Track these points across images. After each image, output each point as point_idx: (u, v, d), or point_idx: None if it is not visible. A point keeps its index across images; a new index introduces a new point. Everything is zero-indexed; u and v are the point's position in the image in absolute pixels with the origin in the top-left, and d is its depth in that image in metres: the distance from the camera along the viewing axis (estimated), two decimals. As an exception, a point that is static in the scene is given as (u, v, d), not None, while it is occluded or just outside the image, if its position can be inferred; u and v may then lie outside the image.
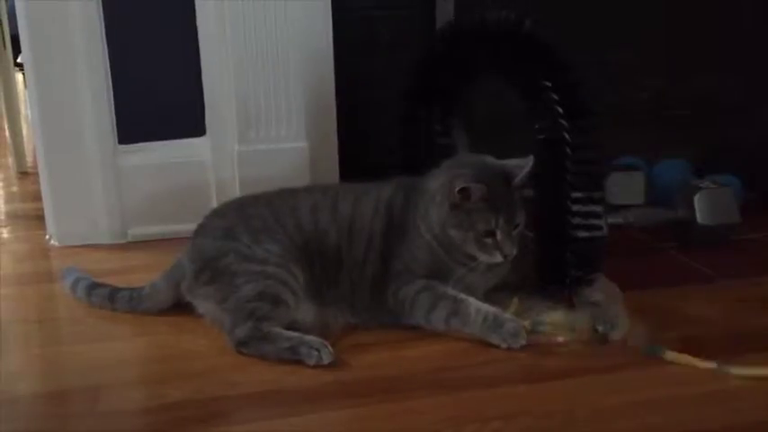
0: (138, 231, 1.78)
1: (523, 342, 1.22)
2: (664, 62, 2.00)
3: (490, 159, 1.30)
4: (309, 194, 1.36)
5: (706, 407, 1.08)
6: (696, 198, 1.65)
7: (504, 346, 1.22)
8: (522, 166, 1.26)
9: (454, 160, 1.35)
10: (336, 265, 1.30)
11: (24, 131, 2.58)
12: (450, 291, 1.26)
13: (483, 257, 1.26)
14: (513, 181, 1.25)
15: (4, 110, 2.56)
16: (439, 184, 1.28)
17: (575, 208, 1.28)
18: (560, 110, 1.28)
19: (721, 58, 2.00)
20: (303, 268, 1.28)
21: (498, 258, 1.25)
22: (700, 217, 1.64)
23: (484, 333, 1.23)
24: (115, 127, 1.74)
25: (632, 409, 1.08)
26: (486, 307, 1.24)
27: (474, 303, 1.24)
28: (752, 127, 2.05)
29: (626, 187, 1.70)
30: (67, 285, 1.44)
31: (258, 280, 1.24)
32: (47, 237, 1.79)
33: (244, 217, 1.33)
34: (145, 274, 1.44)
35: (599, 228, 1.30)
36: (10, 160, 2.58)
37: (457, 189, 1.23)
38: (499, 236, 1.24)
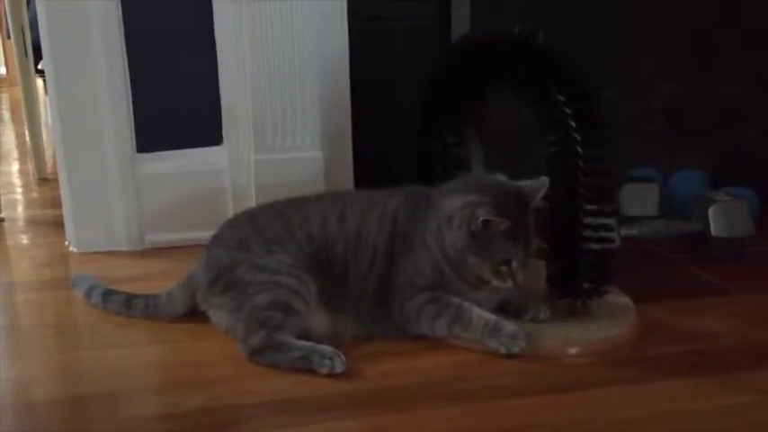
0: (155, 238, 1.79)
1: (522, 344, 1.22)
2: (680, 74, 1.99)
3: (504, 181, 1.30)
4: (319, 204, 1.37)
5: (721, 420, 1.08)
6: (710, 210, 1.64)
7: (503, 350, 1.23)
8: (536, 188, 1.27)
9: (468, 180, 1.35)
10: (343, 276, 1.31)
11: (44, 138, 2.60)
12: (455, 299, 1.27)
13: (495, 282, 1.27)
14: (528, 205, 1.26)
15: (24, 116, 2.58)
16: (456, 206, 1.26)
17: (586, 220, 1.28)
18: (573, 123, 1.28)
19: (738, 68, 2.00)
20: (314, 278, 1.29)
21: (509, 285, 1.27)
22: (714, 229, 1.64)
23: (484, 338, 1.24)
24: (134, 135, 1.76)
25: (647, 422, 1.08)
26: (487, 314, 1.26)
27: (476, 310, 1.26)
28: (768, 139, 2.04)
29: (640, 199, 1.70)
30: (81, 292, 1.46)
31: (270, 289, 1.26)
32: (66, 243, 1.82)
33: (256, 228, 1.34)
34: (162, 281, 1.45)
35: (611, 240, 1.31)
36: (30, 167, 2.60)
37: (480, 220, 1.23)
38: (514, 264, 1.25)
